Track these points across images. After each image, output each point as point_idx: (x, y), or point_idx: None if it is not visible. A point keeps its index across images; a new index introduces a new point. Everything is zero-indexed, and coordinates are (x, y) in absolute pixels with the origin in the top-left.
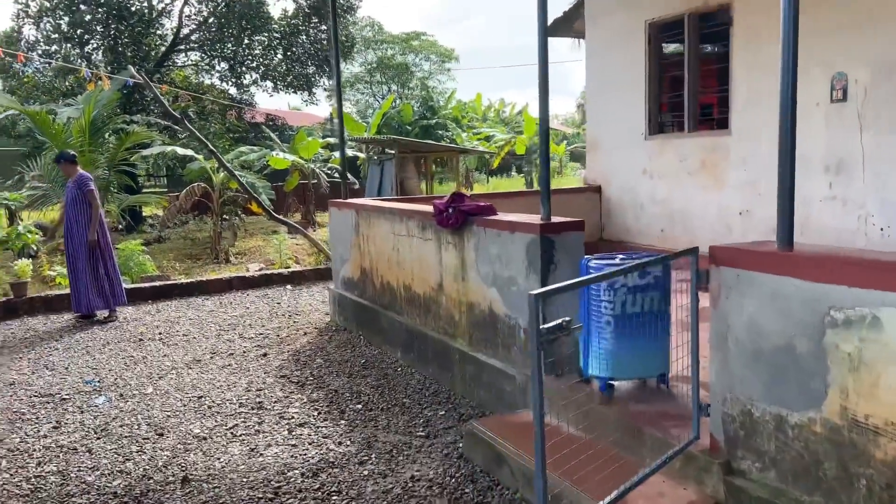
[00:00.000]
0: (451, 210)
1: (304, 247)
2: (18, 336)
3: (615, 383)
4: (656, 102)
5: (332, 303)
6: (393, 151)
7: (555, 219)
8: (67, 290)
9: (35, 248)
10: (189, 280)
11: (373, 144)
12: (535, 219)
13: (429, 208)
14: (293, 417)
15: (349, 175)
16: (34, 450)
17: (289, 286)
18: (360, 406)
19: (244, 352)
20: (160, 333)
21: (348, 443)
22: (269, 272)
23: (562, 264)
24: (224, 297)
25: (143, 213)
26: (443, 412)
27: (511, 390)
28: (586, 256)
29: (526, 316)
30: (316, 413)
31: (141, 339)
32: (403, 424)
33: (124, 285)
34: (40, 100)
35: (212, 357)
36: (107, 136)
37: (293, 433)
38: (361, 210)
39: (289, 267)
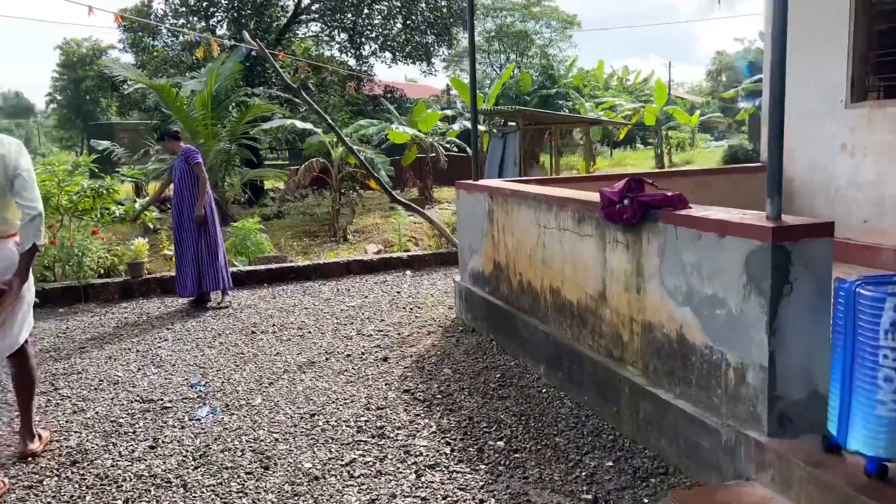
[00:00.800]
0: (626, 201)
1: (423, 226)
2: (131, 321)
3: (891, 465)
4: (862, 62)
5: (457, 297)
6: (515, 123)
7: (790, 219)
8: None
9: (153, 226)
10: (306, 263)
11: (496, 116)
12: (758, 217)
13: (587, 196)
14: (421, 454)
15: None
16: (124, 479)
17: (408, 272)
18: (501, 443)
19: (362, 353)
20: (274, 325)
21: (492, 502)
22: (388, 256)
23: (801, 285)
24: (341, 283)
25: (265, 187)
26: (610, 462)
27: (711, 447)
28: (846, 278)
29: (740, 350)
30: (448, 449)
31: (253, 332)
32: (560, 477)
33: (241, 266)
34: (167, 73)
35: (327, 359)
36: (229, 109)
37: (422, 479)
38: (497, 194)
39: (408, 250)
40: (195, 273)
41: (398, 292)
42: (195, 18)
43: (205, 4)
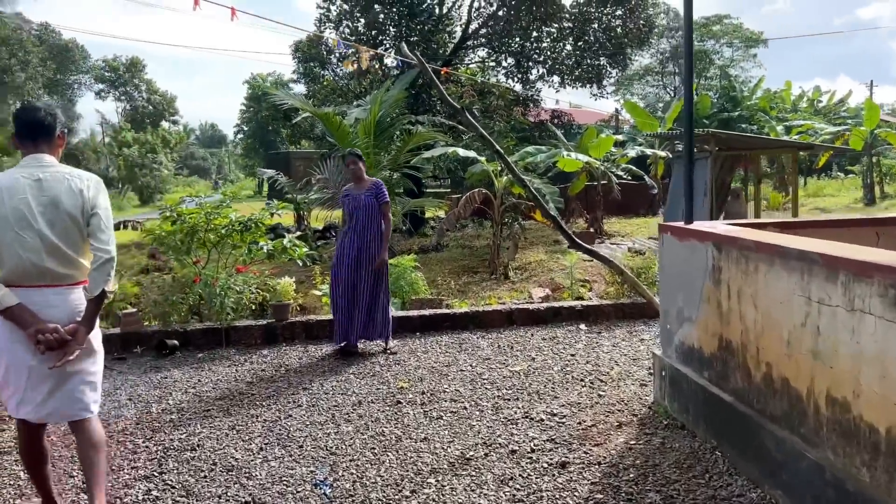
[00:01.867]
0: None
1: (595, 266)
2: (267, 375)
3: None
4: None
5: (657, 375)
6: (708, 148)
7: None
8: (329, 316)
9: (303, 261)
10: (464, 310)
11: (676, 140)
12: None
13: None
14: None
15: (645, 177)
16: None
17: (582, 325)
18: None
19: (532, 451)
20: (423, 393)
21: None
22: (556, 305)
23: None
24: (503, 337)
25: (425, 216)
26: None
27: None
28: None
29: None
30: None
31: (399, 402)
32: None
33: (394, 310)
34: (335, 102)
35: (486, 454)
36: (393, 137)
37: None
38: (728, 245)
39: (581, 297)
40: (362, 321)
41: (572, 355)
42: (364, 47)
43: (373, 33)
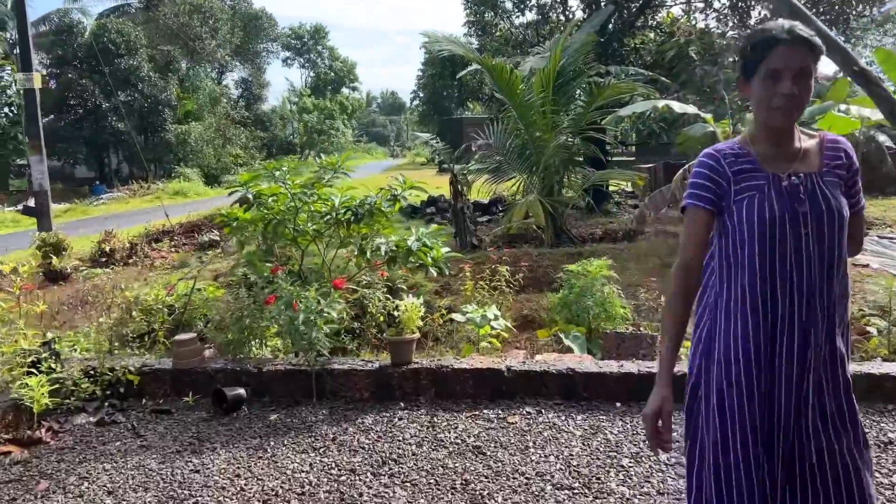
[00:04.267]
0: None
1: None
2: (365, 469)
3: None
4: None
5: None
6: None
7: None
8: (475, 363)
9: (439, 269)
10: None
11: None
12: None
13: None
14: None
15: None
16: None
17: None
18: None
19: None
20: None
21: None
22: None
23: None
24: None
25: (608, 189)
26: None
27: None
28: None
29: None
30: None
31: None
32: None
33: (575, 349)
34: (508, 54)
35: None
36: (575, 93)
37: None
38: None
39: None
40: None
41: None
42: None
43: None
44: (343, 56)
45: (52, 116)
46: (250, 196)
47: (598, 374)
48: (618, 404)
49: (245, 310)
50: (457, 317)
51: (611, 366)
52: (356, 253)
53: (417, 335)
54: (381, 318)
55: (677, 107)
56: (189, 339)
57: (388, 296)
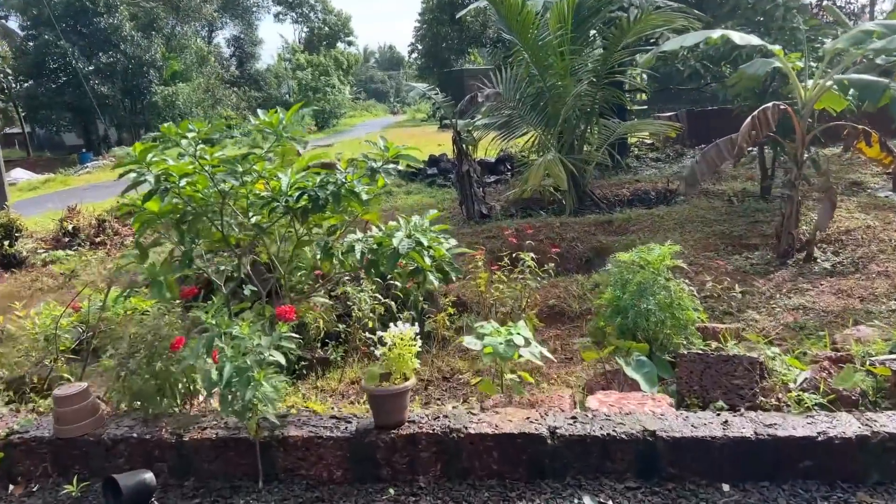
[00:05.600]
0: None
1: None
2: None
3: None
4: None
5: None
6: None
7: None
8: (522, 426)
9: (445, 275)
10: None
11: None
12: None
13: None
14: None
15: None
16: None
17: None
18: None
19: None
20: None
21: None
22: None
23: None
24: None
25: (628, 142)
26: None
27: None
28: None
29: None
30: None
31: None
32: None
33: (644, 388)
34: None
35: None
36: (597, 30)
37: None
38: None
39: None
40: None
41: None
42: None
43: None
44: (337, 9)
45: (31, 82)
46: (149, 179)
47: (693, 439)
48: (725, 487)
49: (158, 347)
50: (470, 342)
51: (710, 425)
52: (319, 256)
53: (413, 382)
54: (371, 324)
55: (737, 37)
56: (75, 393)
57: (378, 296)
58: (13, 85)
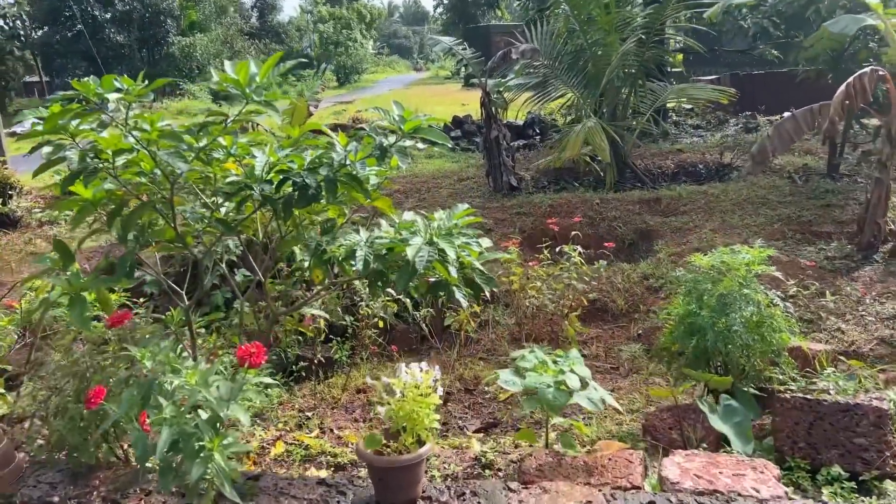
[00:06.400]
0: None
1: None
2: None
3: None
4: None
5: None
6: None
7: None
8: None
9: (478, 288)
10: None
11: None
12: None
13: None
14: None
15: None
16: None
17: None
18: None
19: None
20: None
21: None
22: None
23: None
24: None
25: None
26: None
27: None
28: None
29: None
30: None
31: None
32: None
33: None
34: None
35: None
36: None
37: None
38: None
39: None
40: None
41: None
42: None
43: None
44: None
45: (45, 29)
46: (71, 156)
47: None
48: None
49: (91, 379)
50: (506, 381)
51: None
52: (309, 263)
53: (429, 448)
54: (382, 324)
55: None
56: None
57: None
58: (30, 33)
